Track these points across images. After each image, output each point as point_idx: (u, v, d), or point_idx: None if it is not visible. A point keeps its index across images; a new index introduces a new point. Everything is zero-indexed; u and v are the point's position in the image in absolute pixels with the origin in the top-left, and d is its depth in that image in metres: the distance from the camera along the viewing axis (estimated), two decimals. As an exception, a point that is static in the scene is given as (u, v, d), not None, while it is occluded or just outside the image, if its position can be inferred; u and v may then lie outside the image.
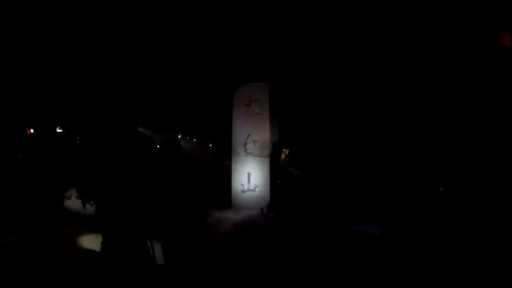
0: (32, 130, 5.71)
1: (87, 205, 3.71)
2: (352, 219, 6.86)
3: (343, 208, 6.97)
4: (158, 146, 4.03)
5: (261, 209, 5.34)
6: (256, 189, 6.25)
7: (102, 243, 3.27)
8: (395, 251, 5.19)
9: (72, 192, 5.80)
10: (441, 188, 9.04)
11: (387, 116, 9.48)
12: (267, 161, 6.29)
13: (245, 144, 6.47)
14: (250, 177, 6.35)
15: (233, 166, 6.53)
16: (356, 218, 6.94)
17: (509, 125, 7.17)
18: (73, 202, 5.47)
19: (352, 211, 7.13)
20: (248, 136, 6.46)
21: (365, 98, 9.16)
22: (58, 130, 6.78)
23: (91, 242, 4.76)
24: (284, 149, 5.21)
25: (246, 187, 6.37)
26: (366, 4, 7.89)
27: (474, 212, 6.82)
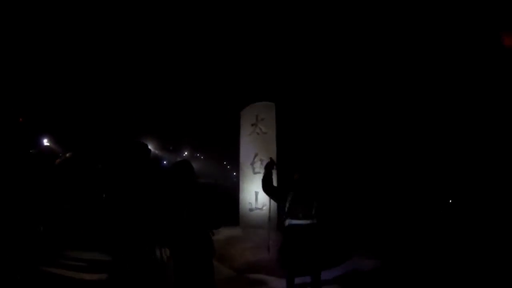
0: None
1: None
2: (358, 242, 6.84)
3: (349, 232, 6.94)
4: (166, 167, 4.19)
5: None
6: (264, 208, 6.21)
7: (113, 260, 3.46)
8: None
9: None
10: (450, 201, 8.92)
11: (394, 131, 9.47)
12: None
13: (252, 163, 6.50)
14: (257, 195, 6.36)
15: (241, 185, 6.56)
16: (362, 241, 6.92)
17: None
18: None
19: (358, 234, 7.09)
20: (256, 155, 6.48)
21: (372, 117, 9.20)
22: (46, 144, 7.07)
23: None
24: (296, 174, 5.05)
25: (253, 206, 6.38)
26: (369, 25, 8.04)
27: (487, 223, 6.68)
